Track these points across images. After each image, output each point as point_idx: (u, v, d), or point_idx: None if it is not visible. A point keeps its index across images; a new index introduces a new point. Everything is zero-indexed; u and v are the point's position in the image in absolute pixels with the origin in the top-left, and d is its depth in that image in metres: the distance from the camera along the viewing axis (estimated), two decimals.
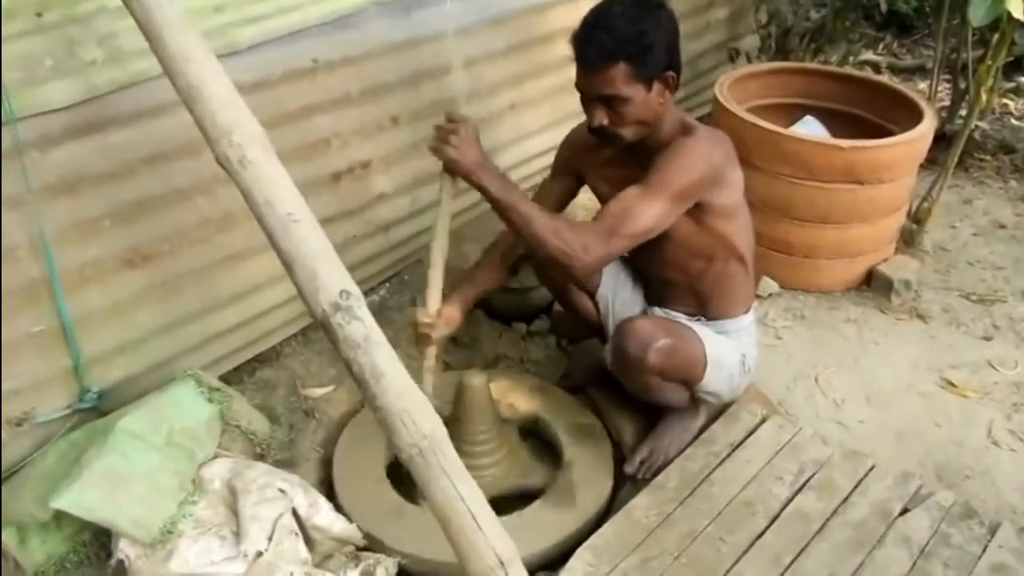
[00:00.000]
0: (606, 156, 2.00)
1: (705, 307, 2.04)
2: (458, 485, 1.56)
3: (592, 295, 2.23)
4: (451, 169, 1.81)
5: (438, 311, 1.94)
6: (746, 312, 2.09)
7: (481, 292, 2.15)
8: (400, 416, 1.53)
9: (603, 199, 2.08)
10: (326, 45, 2.18)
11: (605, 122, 1.80)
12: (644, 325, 1.92)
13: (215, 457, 1.87)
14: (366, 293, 2.68)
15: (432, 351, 1.99)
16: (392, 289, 2.73)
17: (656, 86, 1.78)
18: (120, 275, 1.93)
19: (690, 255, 1.94)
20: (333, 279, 1.51)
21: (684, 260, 1.95)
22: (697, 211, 1.85)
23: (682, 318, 2.04)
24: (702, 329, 2.02)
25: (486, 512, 1.58)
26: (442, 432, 1.57)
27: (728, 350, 2.04)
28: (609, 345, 2.02)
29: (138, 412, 1.79)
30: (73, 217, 1.82)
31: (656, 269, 2.05)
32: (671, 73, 1.79)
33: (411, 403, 1.54)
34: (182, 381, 1.91)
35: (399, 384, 1.54)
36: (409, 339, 2.47)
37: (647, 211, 1.76)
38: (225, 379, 2.33)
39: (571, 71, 2.99)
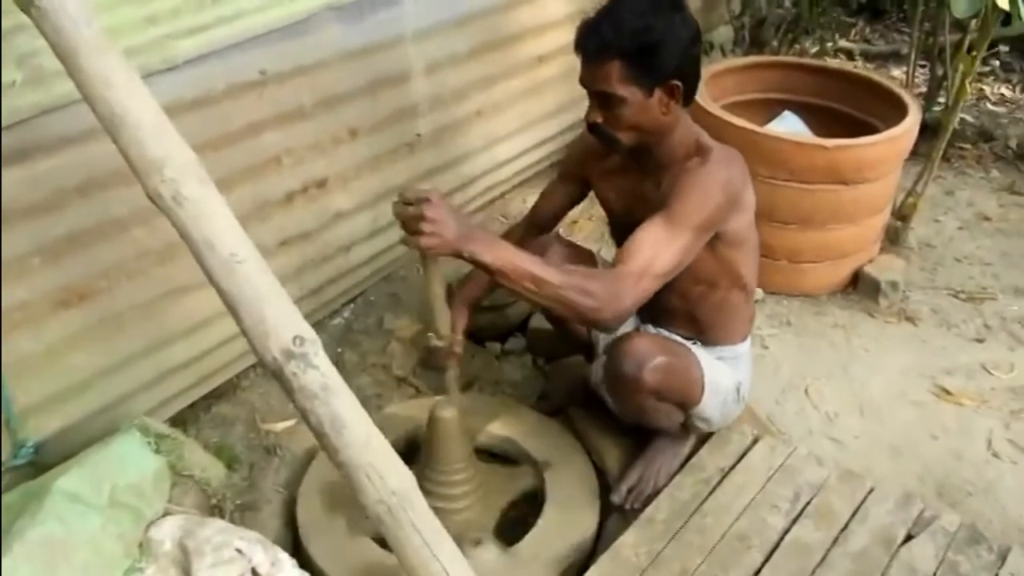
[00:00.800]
0: (614, 164, 1.87)
1: (702, 332, 1.92)
2: (432, 544, 1.43)
3: None
4: (432, 254, 1.59)
5: (452, 326, 1.83)
6: (744, 339, 1.97)
7: (485, 288, 2.01)
8: (365, 471, 1.40)
9: (609, 209, 1.98)
10: (274, 55, 2.01)
11: (598, 120, 1.68)
12: (641, 342, 1.77)
13: (165, 514, 1.71)
14: (329, 316, 2.57)
15: (454, 363, 1.89)
16: (356, 310, 2.57)
17: (658, 93, 1.64)
18: (54, 316, 1.76)
19: (692, 281, 1.80)
20: (284, 323, 1.37)
21: (684, 285, 1.79)
22: (711, 238, 1.73)
23: (677, 339, 1.92)
24: (699, 351, 1.89)
25: (463, 571, 1.45)
26: (411, 484, 1.44)
27: (724, 375, 1.91)
28: (600, 363, 1.90)
29: (77, 470, 1.63)
30: None
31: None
32: (677, 83, 1.64)
33: (377, 456, 1.41)
34: (126, 432, 1.75)
35: (362, 435, 1.40)
36: (422, 363, 2.38)
37: (672, 246, 1.61)
38: (179, 417, 2.18)
39: (541, 72, 2.87)
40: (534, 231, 2.10)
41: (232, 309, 1.37)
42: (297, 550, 1.91)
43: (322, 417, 1.38)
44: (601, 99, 1.66)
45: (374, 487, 1.39)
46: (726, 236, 1.75)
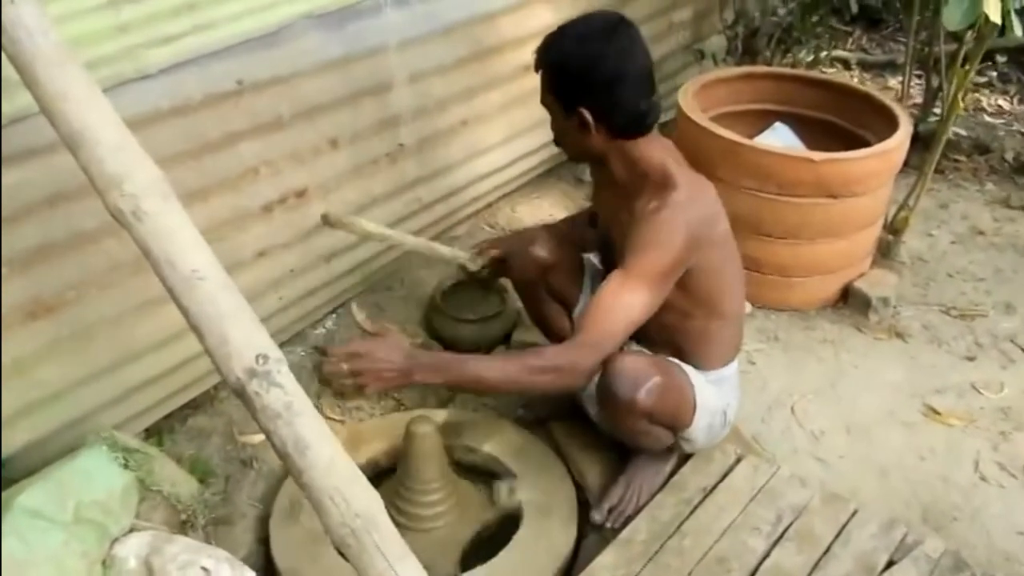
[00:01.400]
0: (607, 177, 1.83)
1: (684, 358, 1.87)
2: (396, 567, 1.38)
3: (570, 313, 2.09)
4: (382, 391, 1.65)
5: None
6: (728, 364, 1.93)
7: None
8: (329, 493, 1.36)
9: (600, 223, 1.97)
10: (252, 64, 1.97)
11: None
12: (635, 363, 1.71)
13: (132, 531, 1.68)
14: (312, 326, 2.53)
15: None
16: (338, 321, 2.54)
17: (574, 117, 1.68)
18: (21, 328, 1.72)
19: (667, 312, 1.76)
20: (247, 342, 1.33)
21: (660, 317, 1.74)
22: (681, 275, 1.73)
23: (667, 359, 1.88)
24: (690, 370, 1.85)
25: None
26: (377, 507, 1.40)
27: (712, 397, 1.87)
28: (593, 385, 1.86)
29: (39, 486, 1.59)
30: None
31: None
32: (585, 112, 1.65)
33: (341, 478, 1.37)
34: (92, 447, 1.71)
35: (325, 457, 1.36)
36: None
37: (632, 307, 1.63)
38: (155, 428, 2.15)
39: (526, 81, 2.83)
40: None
41: (194, 327, 1.34)
42: (269, 567, 1.88)
43: (285, 438, 1.34)
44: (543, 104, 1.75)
45: (338, 510, 1.35)
46: (696, 272, 1.73)
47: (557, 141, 1.81)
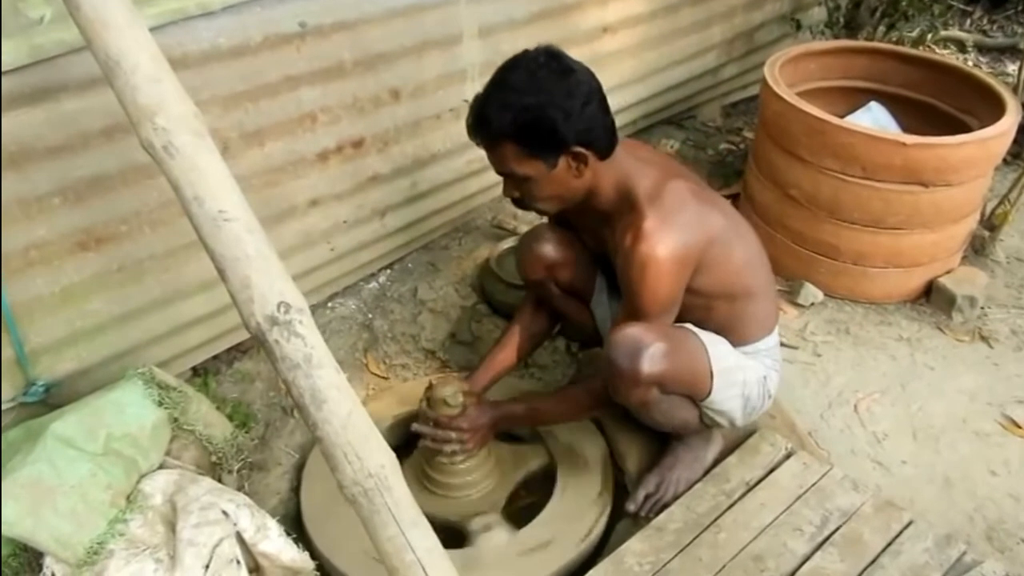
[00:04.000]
0: (581, 211, 1.75)
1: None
2: (407, 532, 1.35)
3: (587, 301, 2.01)
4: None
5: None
6: (766, 336, 1.81)
7: (496, 376, 2.00)
8: (343, 450, 1.33)
9: (587, 243, 1.91)
10: (316, 7, 1.93)
11: (516, 195, 1.66)
12: (632, 330, 1.60)
13: (161, 467, 1.69)
14: (365, 279, 2.51)
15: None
16: (393, 276, 2.52)
17: (563, 162, 1.56)
18: (71, 258, 1.75)
19: (683, 311, 1.69)
20: (269, 288, 1.30)
21: (679, 317, 1.70)
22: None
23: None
24: (707, 335, 1.73)
25: (439, 563, 1.37)
26: (392, 468, 1.36)
27: (745, 367, 1.76)
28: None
29: (73, 416, 1.62)
30: (17, 193, 1.64)
31: None
32: (579, 150, 1.55)
33: (356, 435, 1.34)
34: (128, 381, 1.73)
35: (343, 412, 1.33)
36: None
37: None
38: (202, 368, 2.18)
39: (604, 43, 2.72)
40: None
41: (219, 269, 1.32)
42: (301, 516, 1.88)
43: (303, 389, 1.32)
44: (509, 178, 1.62)
45: (351, 468, 1.32)
46: (703, 271, 1.65)
47: (529, 206, 1.68)
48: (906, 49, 2.88)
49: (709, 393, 1.71)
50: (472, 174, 2.49)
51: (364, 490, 1.33)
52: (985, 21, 4.60)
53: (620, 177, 1.64)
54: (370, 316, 2.41)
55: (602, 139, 1.58)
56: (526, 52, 1.58)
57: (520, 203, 1.69)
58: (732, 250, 1.69)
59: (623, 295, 1.66)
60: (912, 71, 2.67)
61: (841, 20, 3.24)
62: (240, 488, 1.93)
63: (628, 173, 1.64)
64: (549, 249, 1.94)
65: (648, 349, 1.58)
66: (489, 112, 1.54)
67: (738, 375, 1.75)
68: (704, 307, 1.71)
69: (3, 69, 1.54)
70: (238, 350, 2.24)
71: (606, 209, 1.68)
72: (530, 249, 1.96)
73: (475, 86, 2.35)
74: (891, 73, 2.70)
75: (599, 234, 1.76)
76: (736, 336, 1.76)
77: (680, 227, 1.59)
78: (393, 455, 1.37)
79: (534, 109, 1.50)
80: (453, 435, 1.80)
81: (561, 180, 1.60)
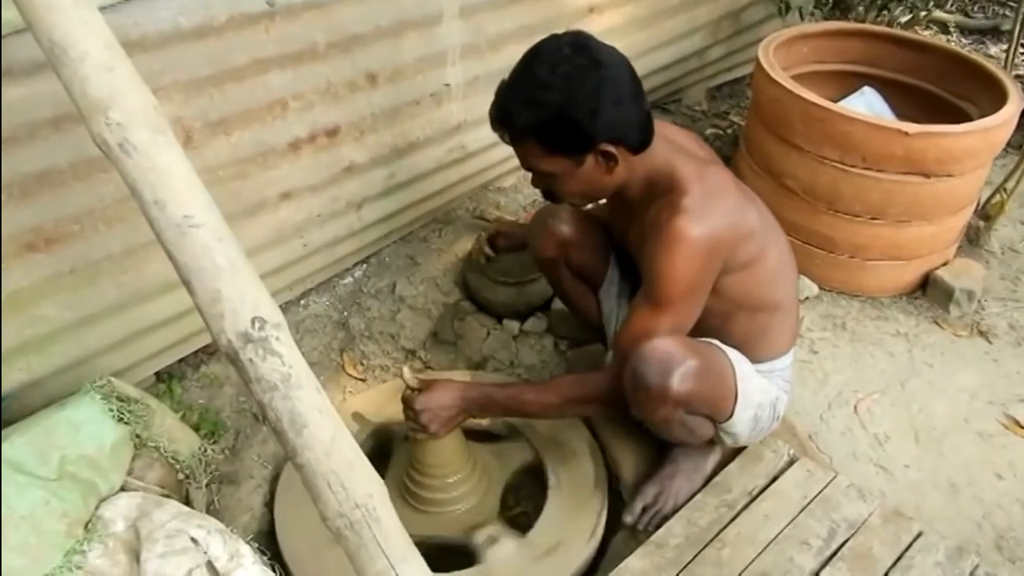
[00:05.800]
0: (616, 202, 1.68)
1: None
2: (398, 567, 1.24)
3: (596, 289, 1.90)
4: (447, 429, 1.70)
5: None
6: (783, 355, 1.72)
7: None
8: (327, 478, 1.21)
9: (613, 235, 1.82)
10: None
11: (543, 188, 1.59)
12: (665, 345, 1.49)
13: (122, 489, 1.55)
14: (339, 275, 2.37)
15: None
16: (369, 271, 2.38)
17: (591, 159, 1.46)
18: (18, 261, 1.59)
19: (704, 316, 1.57)
20: (242, 302, 1.17)
21: (698, 322, 1.58)
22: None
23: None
24: (733, 353, 1.63)
25: None
26: (380, 498, 1.24)
27: (759, 388, 1.66)
28: (618, 368, 1.67)
29: (22, 437, 1.47)
30: None
31: None
32: (607, 147, 1.44)
33: (341, 462, 1.22)
34: (84, 395, 1.58)
35: (325, 437, 1.21)
36: None
37: (662, 329, 1.50)
38: (167, 374, 2.03)
39: (592, 23, 2.58)
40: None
41: (184, 280, 1.18)
42: (274, 534, 1.76)
43: (280, 412, 1.19)
44: (535, 173, 1.54)
45: (335, 498, 1.21)
46: (730, 272, 1.55)
47: (561, 199, 1.60)
48: (903, 32, 2.79)
49: (731, 415, 1.61)
50: (453, 163, 2.35)
51: (350, 522, 1.21)
52: (967, 2, 4.53)
53: (656, 165, 1.53)
54: (346, 314, 2.27)
55: (635, 134, 1.47)
56: (552, 39, 1.45)
57: (550, 196, 1.61)
58: (764, 253, 1.57)
59: (644, 277, 1.53)
60: (908, 55, 2.58)
61: (830, 1, 3.14)
62: (210, 503, 1.80)
63: (666, 159, 1.53)
64: (565, 227, 1.84)
65: (680, 367, 1.47)
66: (511, 107, 1.44)
67: (756, 397, 1.65)
68: (724, 315, 1.61)
69: None
70: (205, 352, 2.10)
71: (636, 199, 1.57)
72: (545, 225, 1.86)
73: (456, 69, 2.21)
74: (887, 57, 2.61)
75: (624, 226, 1.67)
76: (753, 352, 1.65)
77: (720, 212, 1.48)
78: (382, 483, 1.25)
79: (557, 107, 1.39)
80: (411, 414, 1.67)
81: (590, 177, 1.50)
